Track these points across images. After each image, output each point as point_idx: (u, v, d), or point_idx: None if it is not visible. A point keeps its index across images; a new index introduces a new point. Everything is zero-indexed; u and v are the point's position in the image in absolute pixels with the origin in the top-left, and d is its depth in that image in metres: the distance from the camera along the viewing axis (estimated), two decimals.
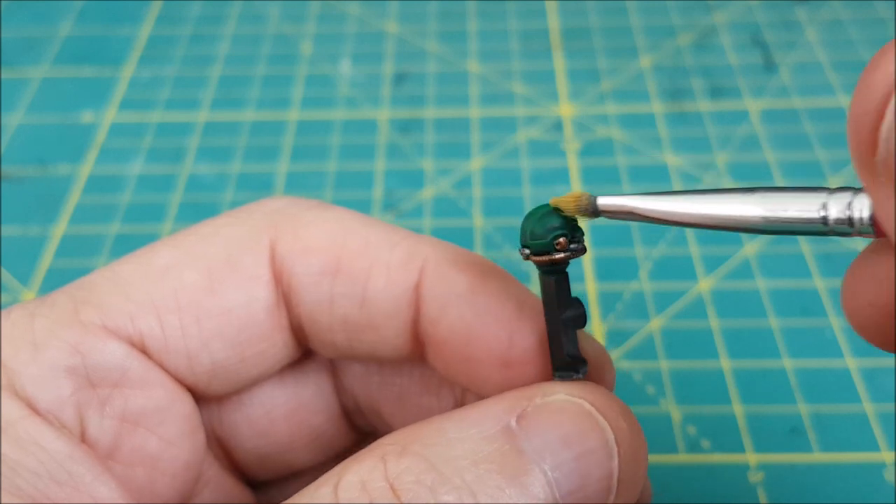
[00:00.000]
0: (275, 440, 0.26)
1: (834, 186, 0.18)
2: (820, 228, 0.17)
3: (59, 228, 0.43)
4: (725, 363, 0.36)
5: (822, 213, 0.17)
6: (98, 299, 0.23)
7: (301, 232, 0.24)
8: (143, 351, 0.23)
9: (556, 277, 0.21)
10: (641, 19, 0.54)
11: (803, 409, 0.35)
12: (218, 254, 0.24)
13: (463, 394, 0.26)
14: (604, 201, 0.20)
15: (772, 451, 0.33)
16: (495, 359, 0.22)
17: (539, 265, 0.21)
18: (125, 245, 0.42)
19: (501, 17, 0.55)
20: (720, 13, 0.55)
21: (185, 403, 0.24)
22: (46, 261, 0.41)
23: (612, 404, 0.20)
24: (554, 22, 0.54)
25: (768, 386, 0.35)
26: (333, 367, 0.27)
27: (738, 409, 0.35)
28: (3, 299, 0.39)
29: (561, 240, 0.21)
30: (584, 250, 0.21)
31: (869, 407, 0.35)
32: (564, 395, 0.20)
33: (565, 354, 0.21)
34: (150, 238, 0.42)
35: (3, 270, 0.41)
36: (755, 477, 0.33)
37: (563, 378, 0.21)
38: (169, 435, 0.24)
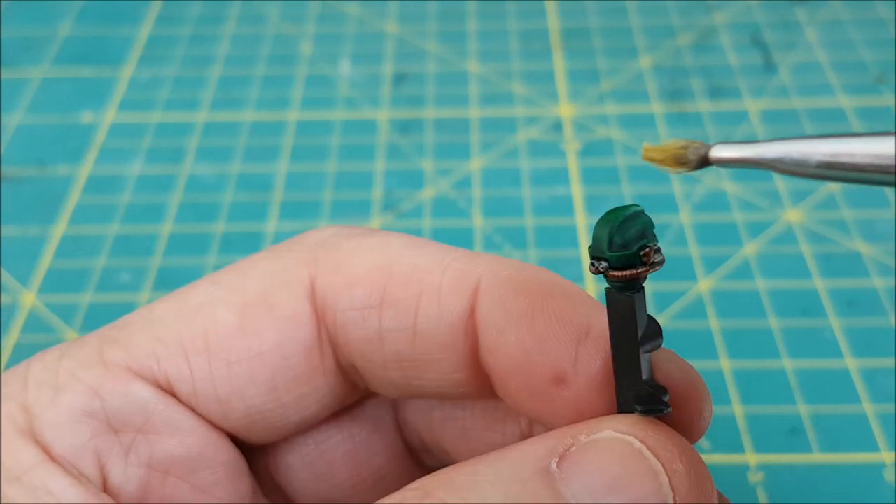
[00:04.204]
0: (335, 483, 0.24)
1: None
2: None
3: (59, 229, 0.43)
4: (725, 363, 0.36)
5: None
6: (126, 339, 0.22)
7: (342, 263, 0.22)
8: (172, 394, 0.22)
9: (636, 294, 0.18)
10: (641, 19, 0.54)
11: (803, 409, 0.35)
12: (253, 291, 0.22)
13: (530, 429, 0.23)
14: (720, 154, 0.16)
15: (771, 451, 0.33)
16: (558, 389, 0.20)
17: (616, 281, 0.18)
18: (125, 245, 0.42)
19: (501, 18, 0.55)
20: (720, 13, 0.55)
21: (223, 450, 0.22)
22: (46, 261, 0.41)
23: (667, 443, 0.18)
24: (554, 22, 0.54)
25: (768, 386, 0.35)
26: (394, 402, 0.25)
27: (737, 409, 0.35)
28: (2, 300, 0.39)
29: (647, 249, 0.17)
30: (664, 260, 0.17)
31: (869, 407, 0.35)
32: (612, 433, 0.18)
33: (645, 383, 0.18)
34: (149, 238, 0.42)
35: (3, 271, 0.41)
36: (755, 477, 0.33)
37: (648, 412, 0.18)
38: (204, 484, 0.22)
